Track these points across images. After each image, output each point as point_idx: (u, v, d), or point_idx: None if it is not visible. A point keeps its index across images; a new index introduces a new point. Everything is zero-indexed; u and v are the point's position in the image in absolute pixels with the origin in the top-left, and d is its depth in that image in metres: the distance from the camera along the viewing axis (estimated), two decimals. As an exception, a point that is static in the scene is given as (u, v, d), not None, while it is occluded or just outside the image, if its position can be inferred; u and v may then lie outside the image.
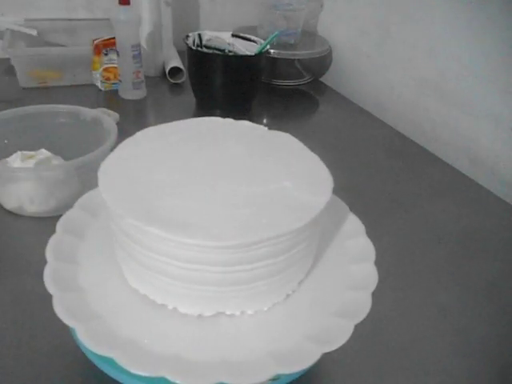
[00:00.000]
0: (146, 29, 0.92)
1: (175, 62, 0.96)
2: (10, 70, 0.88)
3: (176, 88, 0.95)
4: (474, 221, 0.63)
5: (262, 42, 0.84)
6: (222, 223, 0.30)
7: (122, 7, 0.79)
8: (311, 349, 0.30)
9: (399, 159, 0.77)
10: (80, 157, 0.52)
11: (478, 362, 0.43)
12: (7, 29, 0.90)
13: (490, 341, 0.45)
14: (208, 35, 0.87)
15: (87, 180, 0.43)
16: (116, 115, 0.65)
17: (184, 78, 0.95)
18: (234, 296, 0.32)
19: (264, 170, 0.35)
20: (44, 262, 0.34)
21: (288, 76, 1.06)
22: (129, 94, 0.86)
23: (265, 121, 0.89)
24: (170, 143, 0.38)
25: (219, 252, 0.29)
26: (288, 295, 0.35)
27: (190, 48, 0.81)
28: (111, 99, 0.87)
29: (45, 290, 0.31)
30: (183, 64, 0.95)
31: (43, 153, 0.59)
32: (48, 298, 0.31)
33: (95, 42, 0.85)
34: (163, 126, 0.40)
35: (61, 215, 0.38)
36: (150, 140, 0.38)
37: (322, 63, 1.11)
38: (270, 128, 0.42)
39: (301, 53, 1.00)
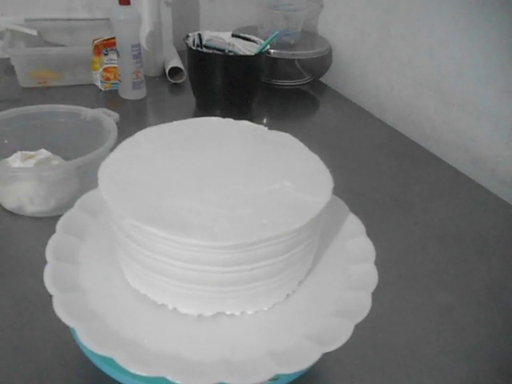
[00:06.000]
0: (146, 29, 0.92)
1: (175, 61, 0.96)
2: (10, 70, 0.88)
3: (176, 88, 0.95)
4: (474, 221, 0.63)
5: (262, 42, 0.84)
6: (222, 223, 0.29)
7: (122, 7, 0.79)
8: (311, 349, 0.30)
9: (399, 159, 0.77)
10: (80, 157, 0.52)
11: (478, 362, 0.43)
12: (7, 29, 0.90)
13: (490, 341, 0.45)
14: (208, 35, 0.87)
15: (87, 180, 0.43)
16: (116, 115, 0.65)
17: (184, 78, 0.95)
18: (233, 296, 0.32)
19: (264, 169, 0.35)
20: (44, 262, 0.34)
21: (288, 76, 1.05)
22: (129, 93, 0.86)
23: (265, 121, 0.89)
24: (170, 143, 0.38)
25: (219, 252, 0.29)
26: (288, 295, 0.35)
27: (190, 48, 0.81)
28: (111, 99, 0.87)
29: (45, 290, 0.31)
30: (183, 64, 0.95)
31: (43, 153, 0.59)
32: (48, 298, 0.31)
33: (95, 42, 0.85)
34: (163, 125, 0.40)
35: (61, 215, 0.38)
36: (149, 140, 0.38)
37: (322, 63, 1.11)
38: (270, 128, 0.42)
39: (301, 53, 1.00)
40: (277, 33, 0.85)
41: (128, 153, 0.36)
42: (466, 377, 0.42)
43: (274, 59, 0.97)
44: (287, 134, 0.41)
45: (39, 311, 0.42)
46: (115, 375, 0.32)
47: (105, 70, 0.87)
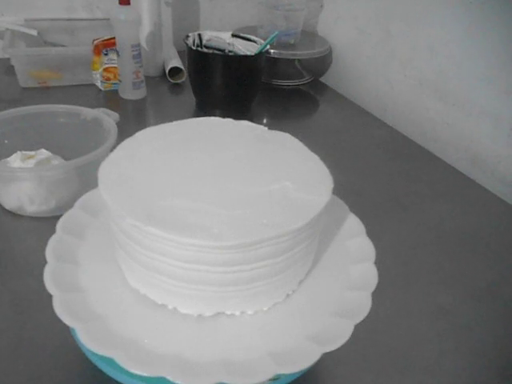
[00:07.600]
0: (146, 29, 0.92)
1: (175, 61, 0.96)
2: (10, 70, 0.88)
3: (176, 88, 0.95)
4: (474, 221, 0.63)
5: (262, 42, 0.84)
6: (222, 223, 0.29)
7: (122, 7, 0.79)
8: (311, 349, 0.30)
9: (399, 159, 0.77)
10: (80, 157, 0.52)
11: (478, 362, 0.43)
12: (7, 29, 0.90)
13: (490, 341, 0.45)
14: (208, 35, 0.87)
15: (87, 180, 0.42)
16: (116, 115, 0.65)
17: (184, 78, 0.95)
18: (234, 296, 0.32)
19: (264, 169, 0.35)
20: (44, 262, 0.34)
21: (288, 76, 1.06)
22: (129, 93, 0.86)
23: (265, 121, 0.89)
24: (169, 143, 0.38)
25: (219, 252, 0.29)
26: (288, 295, 0.35)
27: (190, 48, 0.81)
28: (111, 99, 0.87)
29: (45, 290, 0.31)
30: (183, 64, 0.95)
31: (43, 153, 0.59)
32: (48, 298, 0.31)
33: (95, 41, 0.85)
34: (163, 125, 0.40)
35: (61, 215, 0.38)
36: (149, 140, 0.38)
37: (322, 63, 1.11)
38: (270, 128, 0.42)
39: (301, 53, 1.00)
40: (277, 33, 0.85)
41: (128, 153, 0.36)
42: (466, 377, 0.42)
43: (274, 59, 0.97)
44: (287, 134, 0.41)
45: (39, 311, 0.42)
46: (115, 375, 0.32)
47: (105, 69, 0.87)
